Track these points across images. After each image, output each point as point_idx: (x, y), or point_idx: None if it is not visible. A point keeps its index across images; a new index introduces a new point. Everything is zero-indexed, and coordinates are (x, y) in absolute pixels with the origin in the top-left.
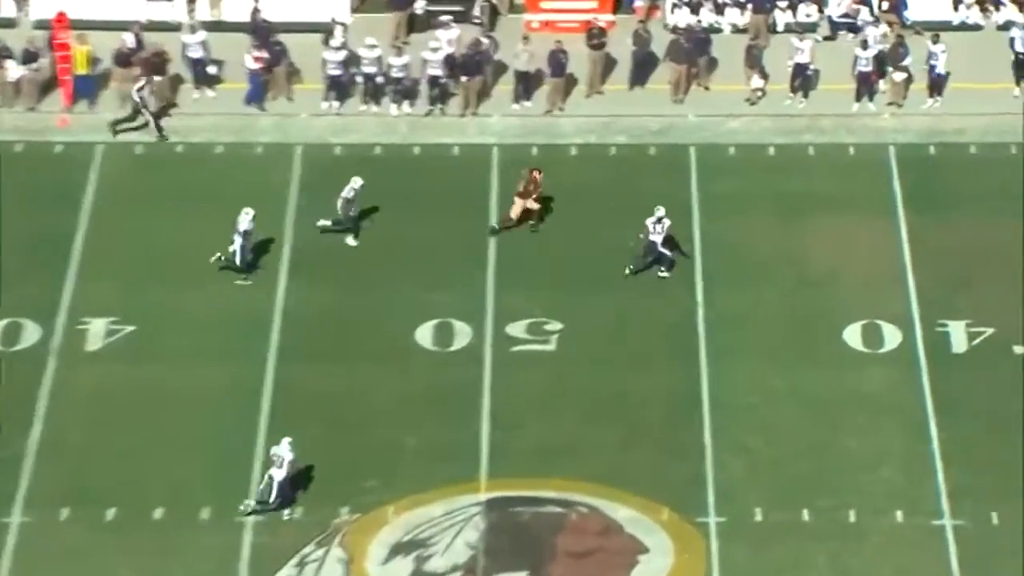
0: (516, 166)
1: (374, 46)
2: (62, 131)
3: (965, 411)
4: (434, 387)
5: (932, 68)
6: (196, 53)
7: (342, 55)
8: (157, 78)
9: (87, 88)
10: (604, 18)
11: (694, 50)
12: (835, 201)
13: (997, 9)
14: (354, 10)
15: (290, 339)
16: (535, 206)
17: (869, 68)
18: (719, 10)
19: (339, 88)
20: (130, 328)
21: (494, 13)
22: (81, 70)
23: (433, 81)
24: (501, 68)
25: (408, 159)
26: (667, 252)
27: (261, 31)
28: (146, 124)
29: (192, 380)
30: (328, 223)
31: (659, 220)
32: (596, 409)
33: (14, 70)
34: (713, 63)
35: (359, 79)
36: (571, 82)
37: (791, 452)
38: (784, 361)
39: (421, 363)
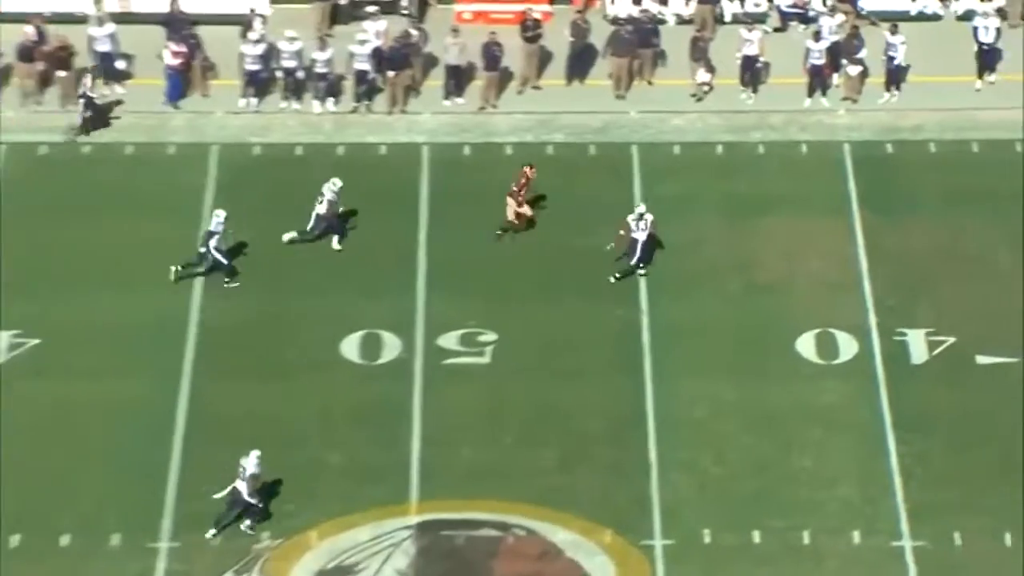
0: (447, 166)
1: (295, 39)
2: None
3: (925, 425)
4: (361, 403)
5: (891, 60)
6: (104, 47)
7: (261, 48)
8: (61, 73)
9: None
10: (540, 8)
11: (637, 42)
12: (787, 202)
13: None
14: (274, 0)
15: (206, 352)
16: (528, 212)
17: (822, 61)
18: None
19: (258, 84)
20: (34, 341)
21: (423, 3)
22: None
23: (359, 76)
24: (431, 62)
25: (332, 160)
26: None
27: (176, 24)
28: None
29: (101, 397)
30: (295, 235)
31: (641, 217)
32: (534, 426)
33: None
34: (657, 56)
35: (279, 74)
36: (505, 77)
37: (741, 470)
38: (733, 373)
39: (346, 377)
